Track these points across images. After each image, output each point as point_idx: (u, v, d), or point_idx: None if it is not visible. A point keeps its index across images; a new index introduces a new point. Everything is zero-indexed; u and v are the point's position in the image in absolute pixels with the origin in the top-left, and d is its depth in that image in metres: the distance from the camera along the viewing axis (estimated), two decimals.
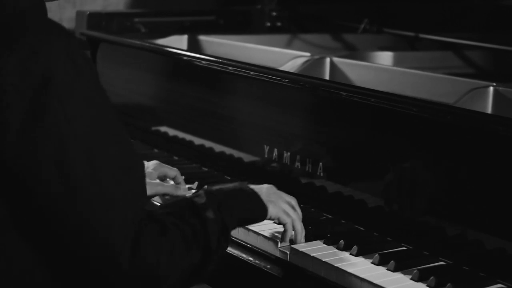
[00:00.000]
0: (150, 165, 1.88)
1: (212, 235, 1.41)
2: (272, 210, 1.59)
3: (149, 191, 1.80)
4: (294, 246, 1.64)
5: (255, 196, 1.57)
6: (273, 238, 1.68)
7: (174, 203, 1.49)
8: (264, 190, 1.59)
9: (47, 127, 1.24)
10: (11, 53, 1.23)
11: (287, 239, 1.66)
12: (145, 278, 1.31)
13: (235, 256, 1.71)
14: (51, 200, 1.26)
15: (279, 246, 1.66)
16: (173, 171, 1.90)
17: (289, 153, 1.93)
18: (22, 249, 1.30)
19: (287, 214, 1.62)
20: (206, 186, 1.55)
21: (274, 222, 1.63)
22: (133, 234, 1.28)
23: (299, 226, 1.65)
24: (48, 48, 1.25)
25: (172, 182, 1.90)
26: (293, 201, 1.65)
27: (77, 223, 1.27)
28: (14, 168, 1.24)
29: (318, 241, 1.67)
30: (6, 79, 1.22)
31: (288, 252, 1.64)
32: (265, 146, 1.99)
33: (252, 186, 1.58)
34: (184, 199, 1.51)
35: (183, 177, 1.91)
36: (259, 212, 1.57)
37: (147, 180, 1.79)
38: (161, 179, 1.89)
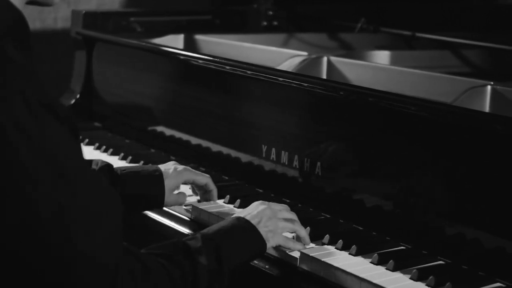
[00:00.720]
0: (177, 168, 1.83)
1: (202, 280, 1.39)
2: (273, 241, 1.57)
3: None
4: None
5: (254, 231, 1.55)
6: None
7: (168, 244, 1.45)
8: (261, 218, 1.56)
9: (13, 177, 1.17)
10: None
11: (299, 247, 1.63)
12: None
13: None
14: (24, 259, 1.20)
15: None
16: (203, 178, 1.84)
17: (287, 153, 1.93)
18: None
19: (286, 240, 1.61)
20: (203, 231, 1.51)
21: None
22: (110, 280, 1.24)
23: (303, 232, 1.64)
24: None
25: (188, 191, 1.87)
26: (286, 213, 1.63)
27: (50, 279, 1.22)
28: None
29: (316, 241, 1.67)
30: None
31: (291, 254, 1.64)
32: (263, 145, 1.99)
33: (248, 217, 1.55)
34: (179, 241, 1.46)
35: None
36: (259, 248, 1.56)
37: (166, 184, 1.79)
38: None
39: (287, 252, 1.63)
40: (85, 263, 1.22)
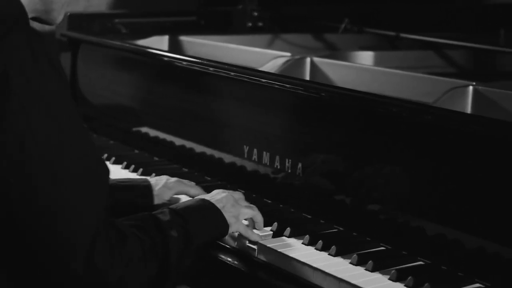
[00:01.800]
0: (167, 183, 1.83)
1: (172, 252, 1.42)
2: (234, 227, 1.62)
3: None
4: (271, 245, 1.63)
5: (219, 214, 1.59)
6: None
7: (138, 217, 1.48)
8: (225, 204, 1.61)
9: (8, 133, 1.23)
10: None
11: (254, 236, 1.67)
12: (98, 285, 1.31)
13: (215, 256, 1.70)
14: (11, 204, 1.25)
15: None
16: (195, 190, 1.85)
17: (268, 154, 1.92)
18: None
19: (246, 228, 1.65)
20: (171, 206, 1.54)
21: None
22: (89, 241, 1.28)
23: (259, 218, 1.68)
24: (7, 50, 1.24)
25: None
26: (245, 201, 1.68)
27: (35, 227, 1.26)
28: None
29: (296, 241, 1.66)
30: None
31: (257, 250, 1.65)
32: (245, 146, 1.98)
33: (212, 200, 1.60)
34: (149, 214, 1.50)
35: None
36: (223, 231, 1.60)
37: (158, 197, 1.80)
38: None
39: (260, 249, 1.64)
40: (69, 218, 1.27)
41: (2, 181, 1.24)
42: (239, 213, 1.63)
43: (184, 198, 1.83)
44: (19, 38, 1.26)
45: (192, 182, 1.87)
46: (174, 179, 1.84)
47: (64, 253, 1.28)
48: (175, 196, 1.84)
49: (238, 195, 1.70)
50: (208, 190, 1.89)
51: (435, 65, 2.43)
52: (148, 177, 1.89)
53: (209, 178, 2.08)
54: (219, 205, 1.61)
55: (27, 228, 1.27)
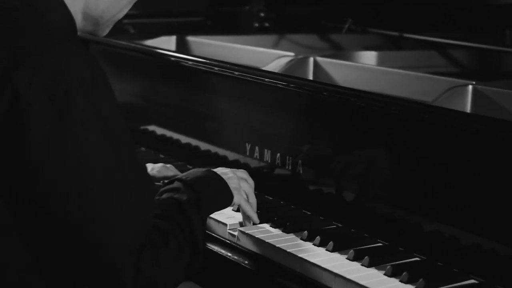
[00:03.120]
0: (155, 167, 1.86)
1: (198, 236, 1.43)
2: (236, 198, 1.64)
3: None
4: (270, 241, 1.63)
5: (224, 184, 1.61)
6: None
7: (162, 203, 1.48)
8: (229, 176, 1.63)
9: (69, 147, 1.24)
10: (34, 72, 1.23)
11: (250, 221, 1.70)
12: None
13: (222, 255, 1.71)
14: (66, 217, 1.26)
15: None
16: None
17: (269, 151, 1.92)
18: (21, 255, 1.31)
19: (246, 201, 1.67)
20: (180, 177, 1.56)
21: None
22: (137, 251, 1.29)
23: (254, 199, 1.70)
24: (69, 69, 1.25)
25: None
26: (247, 185, 1.68)
27: (87, 240, 1.28)
28: (34, 183, 1.25)
29: (294, 237, 1.66)
30: (29, 97, 1.23)
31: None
32: (247, 144, 1.98)
33: (217, 172, 1.62)
34: (169, 198, 1.50)
35: None
36: (227, 201, 1.62)
37: None
38: None
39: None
40: (121, 226, 1.28)
41: (60, 194, 1.25)
42: (240, 186, 1.65)
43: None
44: (80, 58, 1.28)
45: (176, 169, 1.88)
46: (159, 165, 1.86)
47: (116, 267, 1.28)
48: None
49: (241, 173, 1.70)
50: None
51: (438, 65, 2.43)
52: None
53: None
54: (224, 176, 1.62)
55: (78, 240, 1.28)
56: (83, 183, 1.25)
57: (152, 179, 1.44)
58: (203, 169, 1.62)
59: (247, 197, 1.68)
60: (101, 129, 1.27)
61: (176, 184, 1.53)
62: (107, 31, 1.51)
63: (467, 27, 2.67)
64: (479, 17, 2.71)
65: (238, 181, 1.65)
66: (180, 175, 1.60)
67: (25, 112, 1.23)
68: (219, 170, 1.65)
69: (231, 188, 1.62)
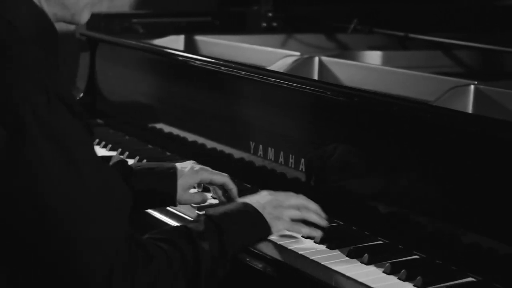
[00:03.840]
0: (190, 168, 1.79)
1: (203, 265, 1.39)
2: (279, 227, 1.56)
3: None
4: (271, 238, 1.63)
5: (259, 217, 1.53)
6: None
7: (170, 229, 1.47)
8: (266, 206, 1.55)
9: (23, 170, 1.23)
10: None
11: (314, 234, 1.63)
12: None
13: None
14: (31, 235, 1.25)
15: None
16: (221, 178, 1.78)
17: (273, 150, 1.92)
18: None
19: (292, 224, 1.59)
20: (208, 211, 1.50)
21: None
22: (108, 266, 1.26)
23: (313, 217, 1.63)
24: (22, 96, 1.24)
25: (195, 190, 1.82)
26: (295, 200, 1.61)
27: (54, 256, 1.26)
28: None
29: (296, 234, 1.66)
30: None
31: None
32: (251, 142, 1.99)
33: (254, 204, 1.54)
34: (182, 225, 1.48)
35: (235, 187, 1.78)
36: (263, 234, 1.55)
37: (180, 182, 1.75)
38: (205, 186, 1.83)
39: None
40: (87, 248, 1.25)
41: (21, 215, 1.24)
42: (282, 213, 1.57)
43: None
44: (36, 81, 1.26)
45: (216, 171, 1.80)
46: (199, 166, 1.79)
47: (85, 274, 1.26)
48: (199, 191, 1.83)
49: (285, 196, 1.62)
50: None
51: (443, 65, 2.42)
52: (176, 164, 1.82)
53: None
54: (259, 207, 1.55)
55: (47, 256, 1.26)
56: (43, 202, 1.23)
57: (127, 192, 1.36)
58: (239, 202, 1.56)
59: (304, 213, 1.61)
60: (57, 150, 1.25)
61: (200, 217, 1.48)
62: (84, 16, 1.43)
63: (472, 27, 2.66)
64: (484, 17, 2.70)
65: (278, 209, 1.57)
66: (210, 209, 1.55)
67: None
68: (257, 199, 1.57)
69: (268, 220, 1.54)
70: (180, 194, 1.76)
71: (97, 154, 1.35)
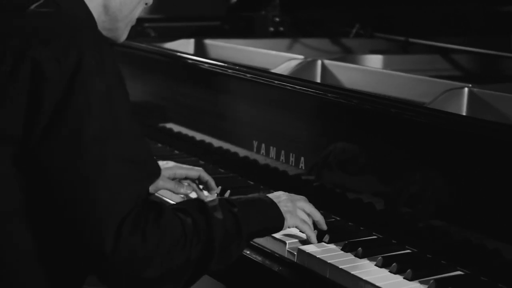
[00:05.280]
0: (167, 163, 1.85)
1: (216, 233, 1.37)
2: (290, 221, 1.56)
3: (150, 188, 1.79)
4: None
5: (274, 206, 1.54)
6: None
7: (185, 201, 1.50)
8: (282, 199, 1.57)
9: (71, 108, 1.29)
10: (46, 44, 1.31)
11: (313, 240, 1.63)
12: (128, 261, 1.28)
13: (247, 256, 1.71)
14: (61, 172, 1.29)
15: None
16: (194, 172, 1.84)
17: (275, 148, 1.96)
18: (26, 238, 1.34)
19: (303, 222, 1.60)
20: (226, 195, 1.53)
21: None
22: (123, 214, 1.28)
23: (318, 216, 1.65)
24: (79, 45, 1.32)
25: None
26: (306, 205, 1.63)
27: (78, 198, 1.30)
28: (40, 138, 1.29)
29: (294, 229, 1.69)
30: (44, 67, 1.30)
31: None
32: (254, 141, 2.02)
33: (270, 196, 1.56)
34: (196, 199, 1.50)
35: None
36: (277, 222, 1.54)
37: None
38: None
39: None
40: (105, 199, 1.29)
41: (58, 150, 1.29)
42: (295, 209, 1.58)
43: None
44: (93, 39, 1.34)
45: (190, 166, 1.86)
46: (171, 163, 1.85)
47: (98, 222, 1.28)
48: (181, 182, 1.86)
49: (298, 197, 1.63)
50: (221, 181, 1.95)
51: (442, 69, 2.44)
52: None
53: (222, 170, 2.12)
54: (275, 198, 1.56)
55: (70, 196, 1.30)
56: (77, 143, 1.28)
57: (157, 165, 1.41)
58: (253, 194, 1.58)
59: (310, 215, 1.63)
60: (104, 97, 1.31)
61: (215, 199, 1.48)
62: (125, 34, 1.54)
63: (471, 32, 2.68)
64: (484, 22, 2.72)
65: (293, 204, 1.58)
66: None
67: (41, 75, 1.29)
68: (273, 195, 1.58)
69: (283, 211, 1.54)
70: (152, 187, 1.80)
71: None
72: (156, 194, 1.90)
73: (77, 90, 1.29)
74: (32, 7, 1.38)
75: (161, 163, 1.86)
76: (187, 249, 1.34)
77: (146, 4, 1.59)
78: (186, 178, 1.85)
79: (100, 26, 1.48)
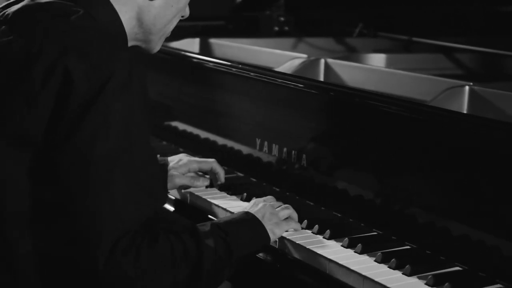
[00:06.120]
0: (177, 160, 1.90)
1: (206, 259, 1.41)
2: (278, 233, 1.61)
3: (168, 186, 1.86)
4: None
5: (260, 226, 1.58)
6: None
7: (178, 224, 1.52)
8: (264, 214, 1.60)
9: (87, 129, 1.31)
10: (79, 58, 1.33)
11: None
12: (117, 279, 1.32)
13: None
14: (67, 187, 1.31)
15: None
16: (207, 164, 1.91)
17: (277, 146, 1.96)
18: (27, 244, 1.36)
19: (288, 223, 1.65)
20: (214, 221, 1.55)
21: None
22: (118, 234, 1.31)
23: (295, 215, 1.70)
24: (112, 64, 1.34)
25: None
26: (287, 210, 1.67)
27: (78, 212, 1.31)
28: (51, 158, 1.32)
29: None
30: (74, 77, 1.32)
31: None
32: (257, 139, 2.03)
33: (253, 212, 1.59)
34: (189, 223, 1.54)
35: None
36: (264, 240, 1.59)
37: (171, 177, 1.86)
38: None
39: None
40: (106, 217, 1.31)
41: (68, 162, 1.31)
42: (278, 220, 1.62)
43: None
44: (123, 59, 1.37)
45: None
46: (186, 158, 1.91)
47: (95, 236, 1.31)
48: (189, 175, 1.91)
49: (271, 199, 1.69)
50: (225, 179, 1.97)
51: (444, 67, 2.44)
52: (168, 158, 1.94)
53: (225, 168, 2.13)
54: (259, 216, 1.60)
55: (72, 205, 1.32)
56: (89, 156, 1.30)
57: (164, 194, 1.48)
58: (240, 212, 1.61)
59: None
60: (124, 118, 1.32)
61: (206, 223, 1.51)
62: (159, 46, 1.55)
63: (473, 31, 2.68)
64: (484, 22, 2.72)
65: (276, 215, 1.62)
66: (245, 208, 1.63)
67: (70, 84, 1.31)
68: (254, 208, 1.62)
69: (268, 229, 1.59)
70: (169, 185, 1.89)
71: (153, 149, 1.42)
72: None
73: (99, 107, 1.31)
74: (72, 18, 1.39)
75: (175, 160, 1.89)
76: (175, 272, 1.38)
77: (182, 17, 1.59)
78: (200, 171, 1.93)
79: (133, 37, 1.50)
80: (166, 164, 1.90)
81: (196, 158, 1.95)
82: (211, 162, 1.92)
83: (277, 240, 1.65)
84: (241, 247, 1.50)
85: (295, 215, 1.69)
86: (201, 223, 1.50)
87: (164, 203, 1.45)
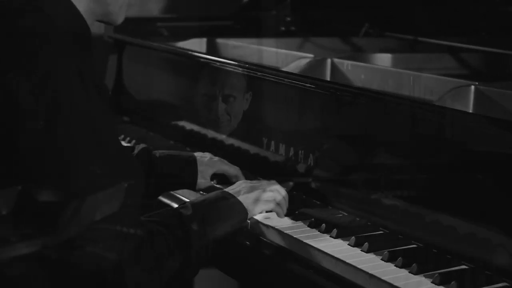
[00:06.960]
0: (211, 160, 1.90)
1: (193, 246, 1.45)
2: (256, 210, 1.63)
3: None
4: (279, 227, 1.68)
5: (237, 204, 1.60)
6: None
7: (162, 212, 1.52)
8: (241, 191, 1.63)
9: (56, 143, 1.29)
10: (24, 76, 1.30)
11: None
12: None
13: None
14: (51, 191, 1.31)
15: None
16: (233, 170, 1.91)
17: (284, 145, 1.97)
18: None
19: (271, 202, 1.67)
20: (192, 200, 1.58)
21: None
22: (117, 250, 1.32)
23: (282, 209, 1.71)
24: (56, 73, 1.32)
25: None
26: (272, 185, 1.69)
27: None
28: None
29: (302, 224, 1.72)
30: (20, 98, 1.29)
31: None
32: (264, 138, 2.03)
33: (232, 191, 1.62)
34: (172, 209, 1.56)
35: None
36: (242, 217, 1.61)
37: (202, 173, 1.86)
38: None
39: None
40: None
41: (46, 175, 1.30)
42: (259, 196, 1.64)
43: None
44: (70, 62, 1.33)
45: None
46: (217, 157, 1.91)
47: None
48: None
49: (265, 184, 1.71)
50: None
51: (449, 67, 2.44)
52: (194, 153, 1.94)
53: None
54: (235, 193, 1.62)
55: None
56: (62, 162, 1.29)
57: (139, 172, 1.49)
58: (216, 192, 1.63)
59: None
60: (88, 130, 1.32)
61: (186, 203, 1.55)
62: (122, 16, 1.50)
63: (478, 31, 2.68)
64: (490, 21, 2.71)
65: (256, 192, 1.65)
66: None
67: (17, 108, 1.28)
68: (233, 188, 1.65)
69: (245, 204, 1.61)
70: (201, 182, 1.87)
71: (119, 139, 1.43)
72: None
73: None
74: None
75: (204, 155, 1.91)
76: (169, 263, 1.41)
77: None
78: (224, 173, 1.92)
79: (92, 13, 1.45)
80: (195, 160, 1.89)
81: (225, 161, 1.94)
82: (237, 169, 1.92)
83: (283, 238, 1.65)
84: (216, 229, 1.53)
85: (281, 200, 1.69)
86: (182, 205, 1.53)
87: (142, 177, 1.47)
